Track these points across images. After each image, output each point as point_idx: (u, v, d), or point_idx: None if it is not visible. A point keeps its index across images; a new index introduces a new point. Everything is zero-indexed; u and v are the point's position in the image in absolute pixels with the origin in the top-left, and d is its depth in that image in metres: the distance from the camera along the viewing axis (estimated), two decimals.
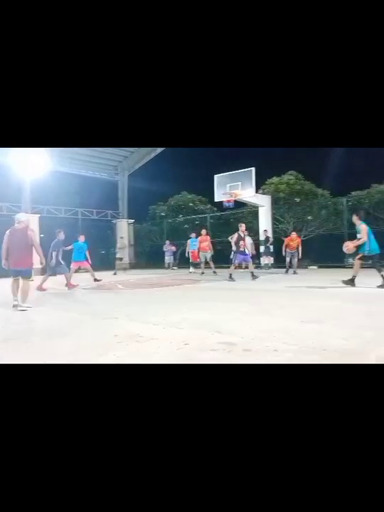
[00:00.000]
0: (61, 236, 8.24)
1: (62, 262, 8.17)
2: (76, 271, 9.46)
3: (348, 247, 7.08)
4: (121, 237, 15.21)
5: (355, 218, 6.98)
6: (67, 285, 8.19)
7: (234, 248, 9.43)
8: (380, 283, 6.51)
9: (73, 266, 9.15)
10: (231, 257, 9.87)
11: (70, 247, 8.99)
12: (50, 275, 8.19)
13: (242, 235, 9.41)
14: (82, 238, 9.43)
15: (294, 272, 11.04)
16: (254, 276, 9.21)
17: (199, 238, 11.96)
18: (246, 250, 9.47)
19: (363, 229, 6.77)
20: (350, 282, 6.87)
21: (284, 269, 11.56)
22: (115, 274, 12.05)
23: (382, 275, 6.54)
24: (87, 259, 9.42)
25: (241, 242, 9.28)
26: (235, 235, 9.46)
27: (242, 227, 9.55)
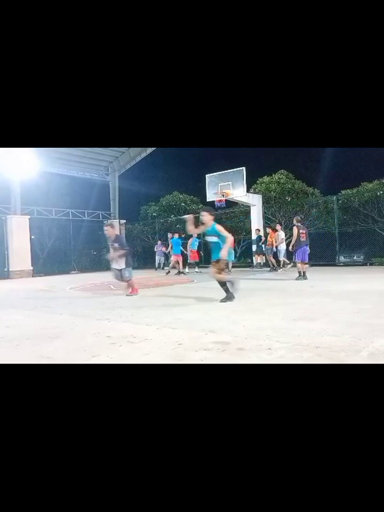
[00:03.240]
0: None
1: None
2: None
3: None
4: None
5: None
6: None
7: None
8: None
9: (173, 258, 11.77)
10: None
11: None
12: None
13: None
14: (176, 235, 12.26)
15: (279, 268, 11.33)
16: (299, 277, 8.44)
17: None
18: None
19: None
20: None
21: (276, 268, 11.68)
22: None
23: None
24: (181, 253, 12.00)
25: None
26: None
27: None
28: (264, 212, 14.95)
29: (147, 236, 19.64)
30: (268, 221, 15.74)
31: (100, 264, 17.35)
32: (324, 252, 12.71)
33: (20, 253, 14.78)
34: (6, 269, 14.67)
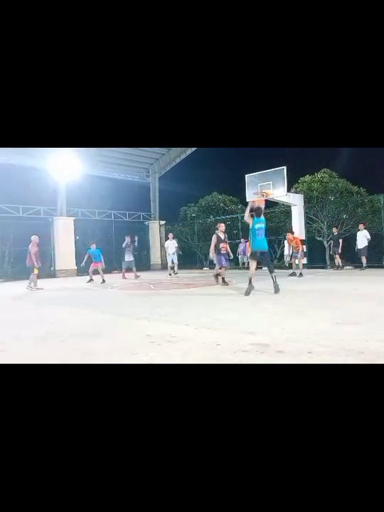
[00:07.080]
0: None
1: None
2: None
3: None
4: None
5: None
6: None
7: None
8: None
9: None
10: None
11: None
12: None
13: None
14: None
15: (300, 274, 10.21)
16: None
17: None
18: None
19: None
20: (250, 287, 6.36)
21: (323, 269, 11.27)
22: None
23: (272, 277, 6.31)
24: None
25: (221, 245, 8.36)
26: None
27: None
28: (305, 212, 14.55)
29: (186, 237, 19.76)
30: (310, 221, 15.30)
31: (140, 263, 17.71)
32: (369, 254, 12.12)
33: (65, 253, 15.44)
34: (52, 269, 15.37)
